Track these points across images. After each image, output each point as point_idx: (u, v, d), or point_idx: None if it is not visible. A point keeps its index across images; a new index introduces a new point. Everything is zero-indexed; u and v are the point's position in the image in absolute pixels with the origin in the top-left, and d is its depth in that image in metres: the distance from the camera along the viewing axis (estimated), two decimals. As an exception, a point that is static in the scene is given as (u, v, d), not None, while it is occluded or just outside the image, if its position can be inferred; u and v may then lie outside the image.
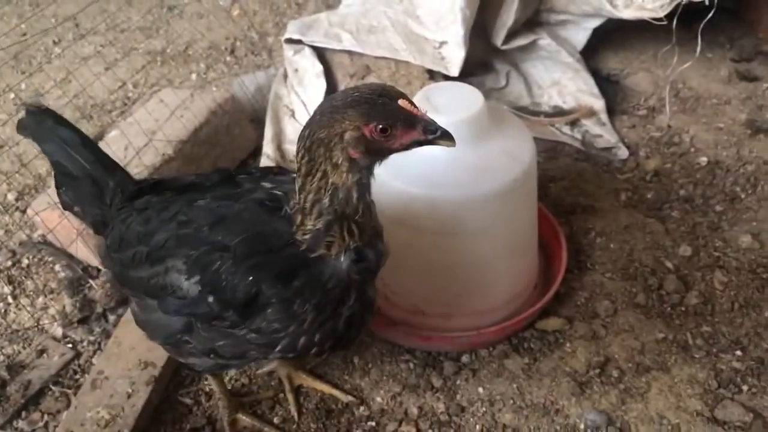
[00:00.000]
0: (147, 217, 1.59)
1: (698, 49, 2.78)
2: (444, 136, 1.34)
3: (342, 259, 1.44)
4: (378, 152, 1.35)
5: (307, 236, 1.42)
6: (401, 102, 1.30)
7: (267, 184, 1.57)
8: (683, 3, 2.73)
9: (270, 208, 1.49)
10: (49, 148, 1.78)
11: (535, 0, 3.10)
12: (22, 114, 1.84)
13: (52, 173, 1.86)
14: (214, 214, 1.51)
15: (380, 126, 1.29)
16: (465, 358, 2.14)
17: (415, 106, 1.31)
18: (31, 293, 2.43)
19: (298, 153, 1.37)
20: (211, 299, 1.47)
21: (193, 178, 1.73)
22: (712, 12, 2.69)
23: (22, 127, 1.82)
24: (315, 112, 1.35)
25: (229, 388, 2.06)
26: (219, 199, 1.55)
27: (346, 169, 1.34)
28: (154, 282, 1.55)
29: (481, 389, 2.05)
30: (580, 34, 3.19)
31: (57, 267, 2.50)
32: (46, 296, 2.40)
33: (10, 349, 2.24)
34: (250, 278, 1.42)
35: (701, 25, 2.72)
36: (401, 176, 1.89)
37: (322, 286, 1.46)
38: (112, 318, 2.30)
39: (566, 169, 2.82)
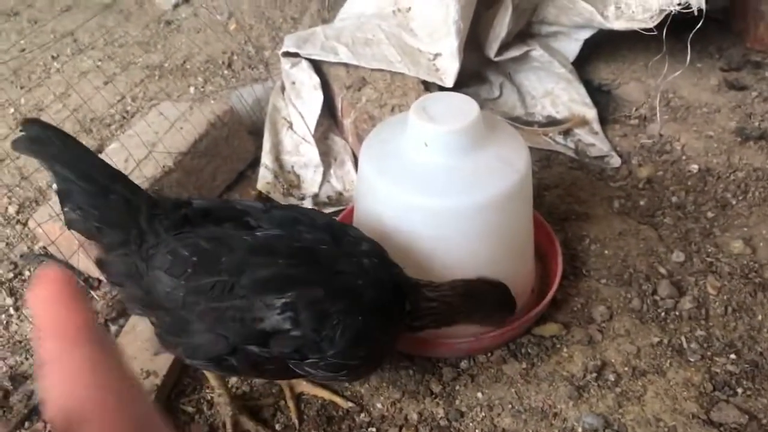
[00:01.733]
0: (227, 248, 1.62)
1: (688, 58, 2.84)
2: None
3: None
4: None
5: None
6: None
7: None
8: (673, 14, 2.79)
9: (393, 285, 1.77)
10: (64, 168, 1.68)
11: (528, 12, 3.15)
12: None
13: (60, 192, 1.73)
14: (321, 261, 1.70)
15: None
16: (464, 364, 2.16)
17: None
18: (33, 305, 2.45)
19: (444, 297, 1.81)
20: (300, 333, 1.58)
21: (240, 208, 1.79)
22: (701, 22, 2.75)
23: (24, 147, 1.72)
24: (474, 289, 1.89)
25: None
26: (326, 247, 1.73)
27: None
28: (231, 314, 1.58)
29: (479, 394, 2.08)
30: (571, 45, 3.24)
31: (58, 278, 2.52)
32: (47, 307, 2.42)
33: (13, 360, 2.26)
34: (360, 318, 1.63)
35: (690, 36, 2.78)
36: (400, 184, 1.94)
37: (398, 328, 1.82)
38: (113, 328, 2.32)
39: (560, 177, 2.87)
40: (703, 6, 2.69)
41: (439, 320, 1.83)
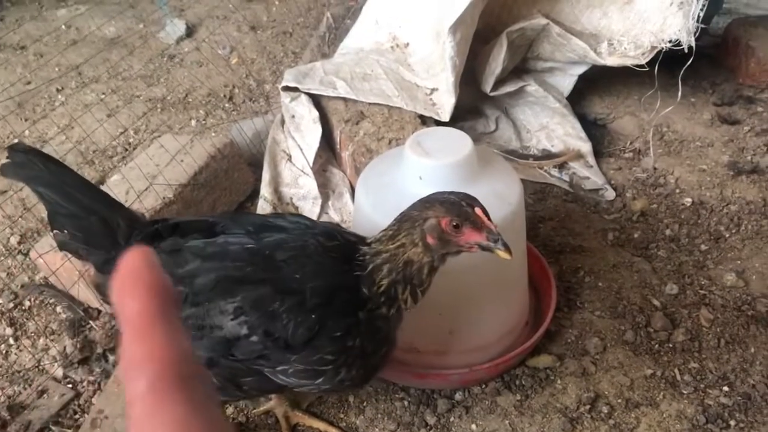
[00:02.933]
0: (183, 258, 1.62)
1: (679, 93, 2.90)
2: (503, 246, 1.57)
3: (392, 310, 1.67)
4: (448, 243, 1.59)
5: (373, 289, 1.62)
6: (476, 209, 1.55)
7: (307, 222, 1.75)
8: (664, 50, 2.85)
9: (335, 251, 1.66)
10: (47, 189, 1.73)
11: (523, 48, 3.22)
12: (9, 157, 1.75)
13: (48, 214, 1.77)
14: (267, 255, 1.62)
15: (453, 222, 1.55)
16: (458, 396, 2.18)
17: (488, 218, 1.57)
18: (33, 334, 2.47)
19: (391, 223, 1.64)
20: (257, 338, 1.55)
21: (211, 220, 1.77)
22: (692, 58, 2.81)
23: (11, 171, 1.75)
24: (417, 200, 1.64)
25: (227, 426, 2.09)
26: (268, 243, 1.65)
27: (422, 250, 1.58)
28: (192, 323, 1.58)
29: (474, 426, 2.09)
30: (566, 81, 3.31)
31: (58, 308, 2.55)
32: (47, 337, 2.45)
33: (11, 390, 2.28)
34: (313, 317, 1.55)
35: (682, 72, 2.84)
36: (394, 218, 1.96)
37: (375, 327, 1.65)
38: (112, 358, 2.34)
39: (555, 210, 2.90)
40: (693, 43, 2.75)
41: (396, 265, 1.60)
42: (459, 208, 1.55)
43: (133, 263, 0.48)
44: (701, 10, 2.73)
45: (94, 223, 1.73)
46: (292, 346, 1.55)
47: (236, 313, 1.55)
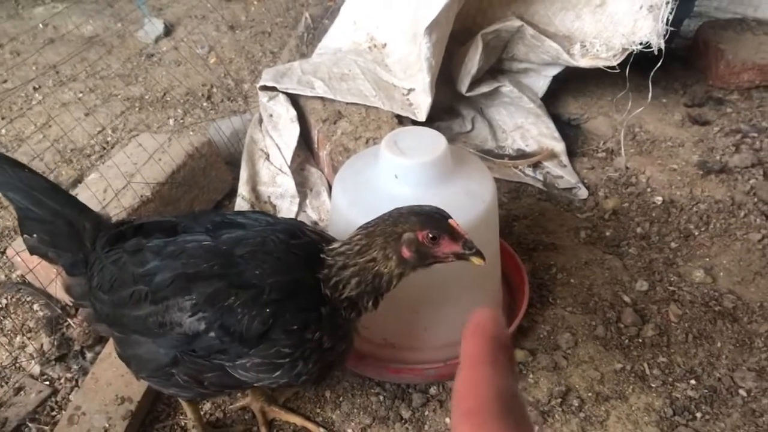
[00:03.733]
0: (143, 258, 1.64)
1: (650, 94, 2.96)
2: (477, 254, 1.58)
3: None
4: (425, 255, 1.59)
5: (335, 296, 1.63)
6: (450, 221, 1.57)
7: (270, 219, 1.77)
8: (635, 52, 2.92)
9: (297, 249, 1.66)
10: (16, 194, 1.77)
11: (498, 49, 3.27)
12: None
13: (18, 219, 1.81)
14: (224, 251, 1.63)
15: (431, 234, 1.55)
16: (433, 390, 2.22)
17: (459, 227, 1.58)
18: (9, 332, 2.47)
19: (356, 234, 1.62)
20: (214, 334, 1.56)
21: (174, 220, 1.78)
22: (663, 60, 2.87)
23: None
24: (384, 214, 1.62)
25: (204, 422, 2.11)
26: (225, 240, 1.66)
27: (395, 264, 1.59)
28: (153, 320, 1.60)
29: (448, 419, 2.13)
30: (540, 81, 3.36)
31: (35, 306, 2.55)
32: (24, 335, 2.45)
33: (-13, 388, 2.29)
34: (268, 311, 1.56)
35: (652, 73, 2.90)
36: (371, 215, 1.99)
37: (335, 324, 1.67)
38: (89, 355, 2.35)
39: (529, 208, 2.95)
40: (663, 46, 2.82)
41: (366, 278, 1.61)
42: (435, 220, 1.57)
43: (480, 318, 0.63)
44: (670, 13, 2.79)
45: (61, 226, 1.77)
46: (247, 339, 1.56)
47: (193, 310, 1.57)
